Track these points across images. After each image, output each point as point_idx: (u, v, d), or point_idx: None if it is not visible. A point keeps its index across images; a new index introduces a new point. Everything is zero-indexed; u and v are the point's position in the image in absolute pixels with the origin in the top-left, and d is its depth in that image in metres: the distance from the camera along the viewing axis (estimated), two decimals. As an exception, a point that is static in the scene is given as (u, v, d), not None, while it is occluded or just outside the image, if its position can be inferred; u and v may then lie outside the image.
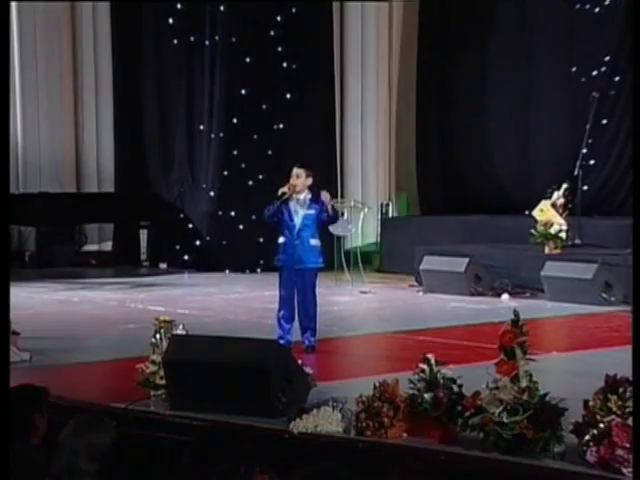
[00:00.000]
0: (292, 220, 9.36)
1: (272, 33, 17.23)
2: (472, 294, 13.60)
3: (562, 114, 16.87)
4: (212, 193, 17.50)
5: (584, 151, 14.55)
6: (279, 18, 17.25)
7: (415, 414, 6.20)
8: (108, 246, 19.26)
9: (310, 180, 9.42)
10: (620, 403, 5.52)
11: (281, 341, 9.20)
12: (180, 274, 16.85)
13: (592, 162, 15.54)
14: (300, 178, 9.38)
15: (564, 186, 14.08)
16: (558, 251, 13.82)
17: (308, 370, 7.21)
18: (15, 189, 17.64)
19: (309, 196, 9.43)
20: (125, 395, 7.28)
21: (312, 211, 9.36)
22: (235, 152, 17.29)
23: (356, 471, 5.28)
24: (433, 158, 19.03)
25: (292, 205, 9.38)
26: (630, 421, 5.42)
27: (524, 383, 5.84)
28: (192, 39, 17.84)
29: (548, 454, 5.70)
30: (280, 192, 9.34)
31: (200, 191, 17.87)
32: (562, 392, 5.95)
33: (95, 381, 8.62)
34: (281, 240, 9.50)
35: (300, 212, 9.36)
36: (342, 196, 17.32)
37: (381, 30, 19.36)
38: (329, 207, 9.45)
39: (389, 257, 17.01)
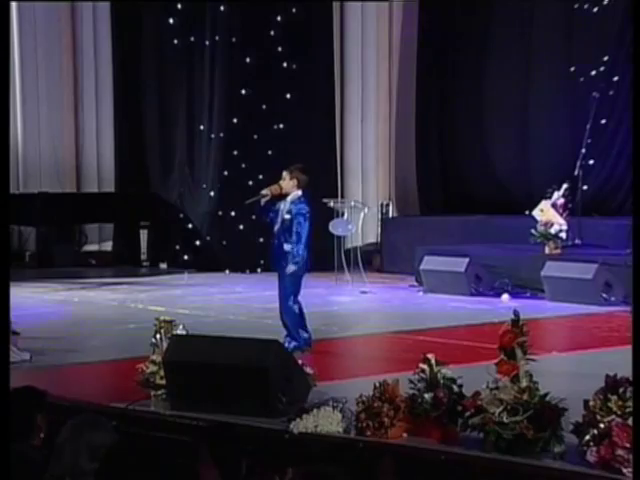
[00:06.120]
0: (275, 222, 9.36)
1: (272, 33, 17.24)
2: (472, 294, 13.61)
3: (562, 114, 16.87)
4: (212, 193, 17.50)
5: (584, 151, 14.55)
6: (279, 18, 17.26)
7: (415, 414, 6.20)
8: (108, 246, 19.27)
9: (294, 182, 9.34)
10: (620, 403, 5.52)
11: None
12: (180, 274, 16.84)
13: (592, 162, 15.53)
14: (284, 180, 9.36)
15: (564, 186, 14.07)
16: (558, 251, 13.81)
17: (308, 370, 7.21)
18: (15, 189, 17.65)
19: (296, 197, 9.34)
20: (125, 395, 7.28)
21: (288, 216, 9.28)
22: (235, 152, 17.29)
23: (356, 471, 5.28)
24: (433, 158, 19.03)
25: (280, 206, 9.36)
26: (630, 421, 5.42)
27: (524, 383, 5.84)
28: (192, 39, 17.85)
29: (548, 454, 5.70)
30: (260, 194, 9.38)
31: (200, 191, 17.88)
32: (562, 392, 5.95)
33: (95, 381, 8.62)
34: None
35: (280, 215, 9.34)
36: (342, 196, 17.31)
37: (381, 30, 19.36)
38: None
39: (389, 257, 17.01)
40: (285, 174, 9.39)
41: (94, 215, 18.52)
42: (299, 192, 9.36)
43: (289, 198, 9.35)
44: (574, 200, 14.22)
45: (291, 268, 9.29)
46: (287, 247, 9.29)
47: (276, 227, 9.35)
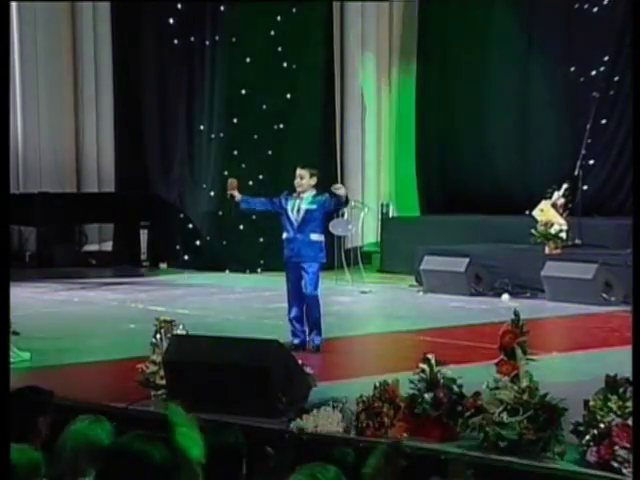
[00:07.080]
0: (293, 215, 9.37)
1: (272, 33, 17.24)
2: (472, 294, 13.60)
3: (561, 114, 16.88)
4: (212, 193, 17.50)
5: (584, 151, 14.55)
6: (279, 18, 17.26)
7: (415, 414, 6.20)
8: (108, 246, 19.26)
9: (314, 180, 9.41)
10: (620, 403, 5.52)
11: (295, 341, 9.31)
12: (180, 274, 16.84)
13: (592, 162, 15.54)
14: (304, 179, 9.39)
15: (564, 186, 14.08)
16: (558, 251, 13.81)
17: (308, 370, 7.21)
18: (15, 189, 17.65)
19: (313, 193, 9.42)
20: (125, 395, 7.28)
21: (314, 206, 9.34)
22: (235, 152, 17.29)
23: (356, 471, 5.27)
24: (433, 158, 19.03)
25: (295, 202, 9.39)
26: (630, 421, 5.42)
27: (524, 383, 5.84)
28: (192, 39, 17.86)
29: (548, 454, 5.70)
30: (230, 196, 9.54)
31: (200, 191, 17.88)
32: (562, 392, 5.95)
33: (95, 381, 8.61)
34: (284, 236, 9.54)
35: (302, 207, 9.36)
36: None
37: (381, 30, 19.36)
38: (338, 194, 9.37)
39: (389, 257, 17.00)
40: (304, 172, 9.38)
41: (94, 215, 18.51)
42: (314, 191, 9.42)
43: (305, 195, 9.37)
44: (574, 200, 14.22)
45: (321, 257, 9.40)
46: (315, 237, 9.38)
47: (295, 221, 9.35)
